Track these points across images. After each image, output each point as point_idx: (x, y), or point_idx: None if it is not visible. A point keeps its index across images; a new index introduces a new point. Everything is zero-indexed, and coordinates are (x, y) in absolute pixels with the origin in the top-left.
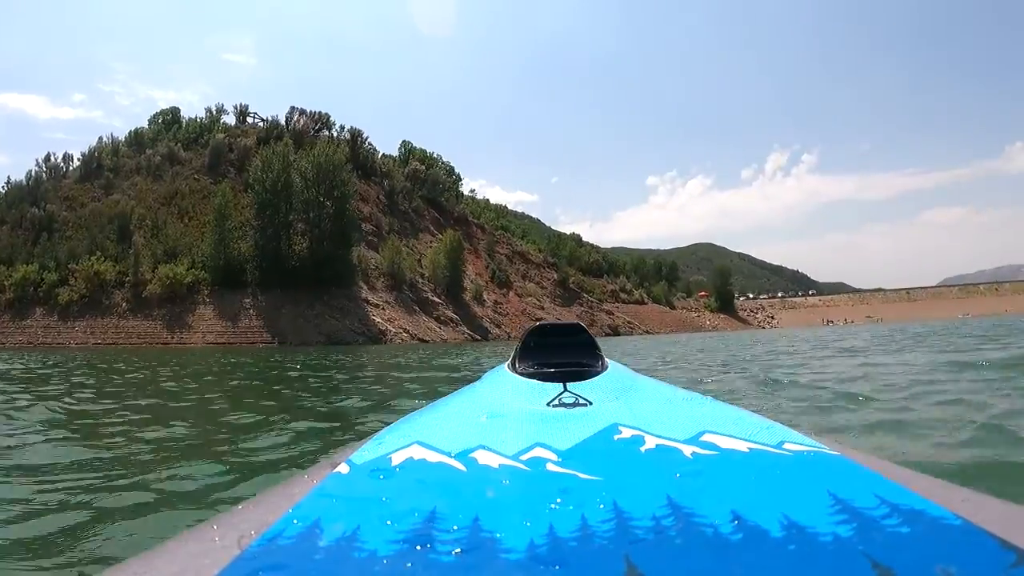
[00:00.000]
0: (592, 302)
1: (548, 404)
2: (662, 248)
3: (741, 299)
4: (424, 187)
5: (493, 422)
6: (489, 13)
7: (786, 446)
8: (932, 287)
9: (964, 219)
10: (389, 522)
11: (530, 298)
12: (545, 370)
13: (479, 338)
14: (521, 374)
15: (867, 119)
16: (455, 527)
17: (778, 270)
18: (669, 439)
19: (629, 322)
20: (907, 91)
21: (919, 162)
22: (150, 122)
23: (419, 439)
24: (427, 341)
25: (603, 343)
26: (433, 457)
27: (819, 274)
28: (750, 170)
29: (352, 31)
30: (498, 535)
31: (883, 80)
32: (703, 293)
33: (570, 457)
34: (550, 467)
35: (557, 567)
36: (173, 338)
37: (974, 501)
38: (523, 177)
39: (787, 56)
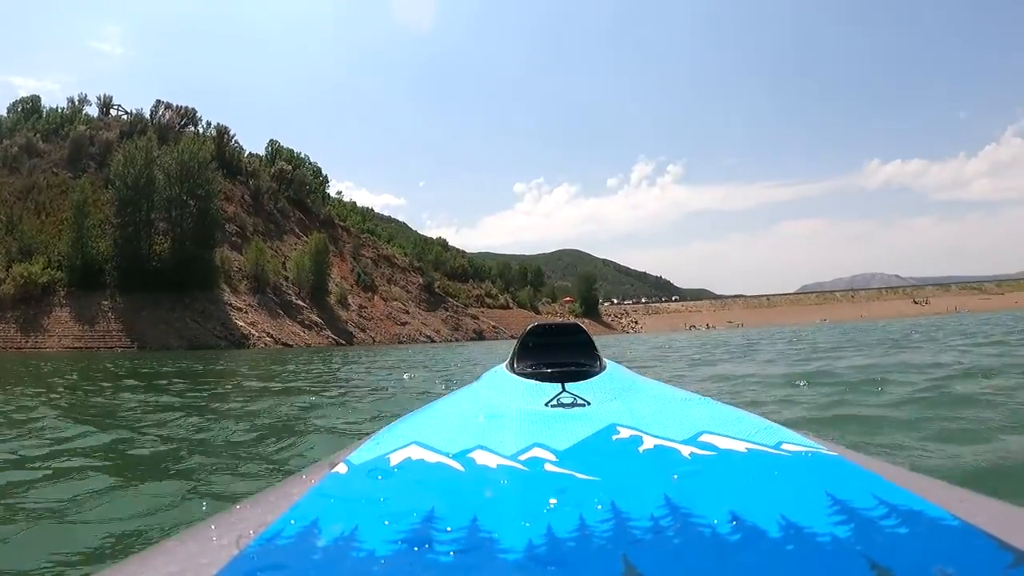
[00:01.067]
0: (458, 307)
1: (546, 404)
2: (528, 254)
3: (606, 304)
4: (290, 188)
5: (491, 422)
6: (359, 10)
7: (784, 447)
8: (791, 294)
9: (823, 230)
10: (387, 522)
11: (395, 302)
12: (543, 370)
13: (343, 342)
14: (519, 374)
15: (734, 134)
16: (453, 527)
17: (642, 276)
18: (667, 439)
19: (494, 327)
20: (773, 109)
21: (781, 175)
22: (8, 110)
23: (417, 439)
24: (291, 346)
25: (469, 347)
26: (431, 457)
27: (682, 281)
28: (616, 179)
29: (224, 23)
30: (496, 535)
31: (750, 98)
32: (568, 299)
33: (568, 457)
34: (548, 467)
35: (555, 567)
36: (28, 342)
37: (972, 502)
38: (390, 180)
39: (656, 70)
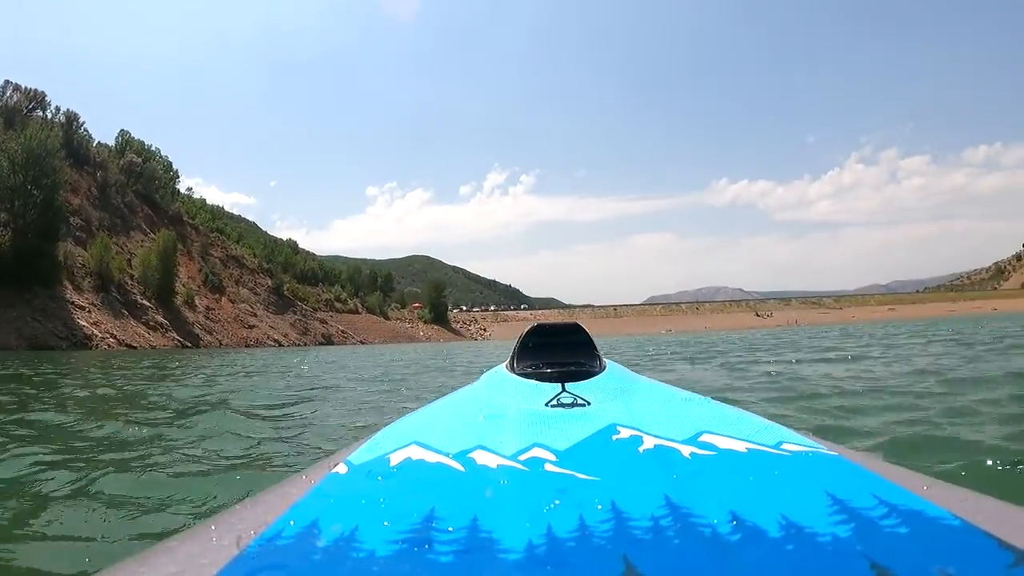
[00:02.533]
0: (306, 310)
1: (546, 404)
2: (379, 258)
3: (455, 311)
4: (139, 182)
5: (491, 422)
6: (220, 2)
7: (784, 446)
8: (638, 305)
9: (671, 244)
10: (387, 522)
11: (244, 304)
12: (543, 370)
13: (189, 345)
14: (519, 374)
15: (585, 147)
16: (453, 527)
17: (492, 284)
18: (667, 439)
19: (343, 331)
20: (626, 124)
21: (632, 189)
22: None
23: (417, 439)
24: (135, 347)
25: (315, 351)
26: (431, 457)
27: (531, 289)
28: (469, 186)
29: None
30: (496, 535)
31: (604, 112)
32: (417, 304)
33: (568, 457)
34: (548, 467)
35: (555, 567)
36: None
37: (972, 501)
38: (241, 178)
39: (514, 80)
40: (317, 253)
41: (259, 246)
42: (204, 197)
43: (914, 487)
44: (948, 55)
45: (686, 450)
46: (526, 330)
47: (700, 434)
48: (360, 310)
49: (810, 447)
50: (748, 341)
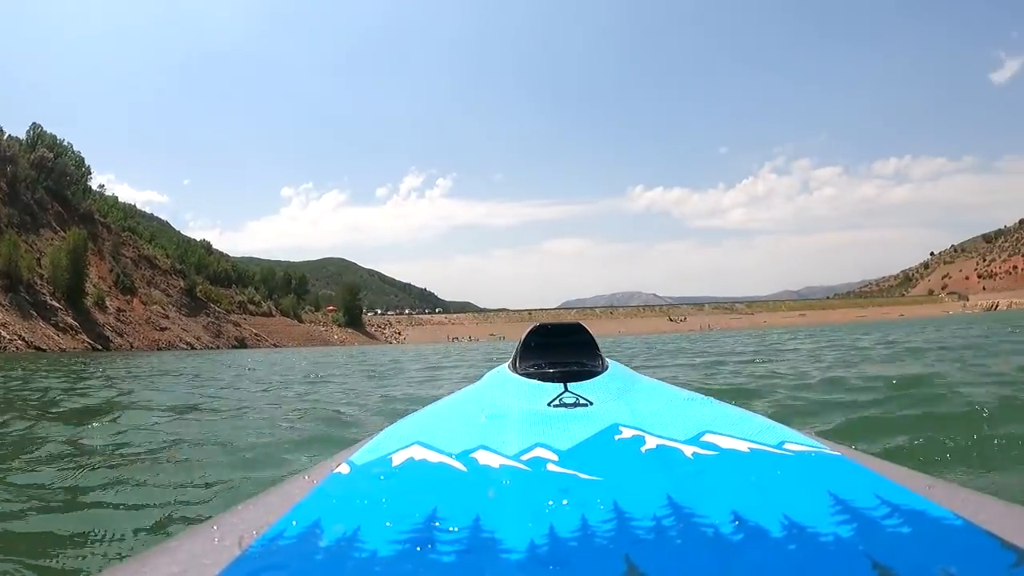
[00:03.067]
0: (220, 313)
1: (549, 404)
2: (293, 260)
3: (370, 315)
4: (50, 178)
5: (493, 422)
6: None
7: (787, 446)
8: (553, 309)
9: (586, 249)
10: (389, 523)
11: (155, 306)
12: (546, 370)
13: (100, 348)
14: (522, 374)
15: (503, 151)
16: (456, 527)
17: (407, 287)
18: (670, 439)
19: (257, 335)
20: (543, 130)
21: (548, 195)
22: None
23: (419, 439)
24: (44, 350)
25: (230, 355)
26: (434, 457)
27: (446, 293)
28: (386, 188)
29: None
30: (499, 535)
31: (522, 117)
32: (331, 308)
33: (571, 457)
34: (551, 467)
35: (558, 567)
36: None
37: (974, 501)
38: (155, 175)
39: (434, 82)
40: (231, 254)
41: (172, 246)
42: (116, 195)
43: (916, 487)
44: (861, 69)
45: (688, 450)
46: (528, 330)
47: (702, 434)
48: (274, 313)
49: (812, 447)
50: (655, 345)
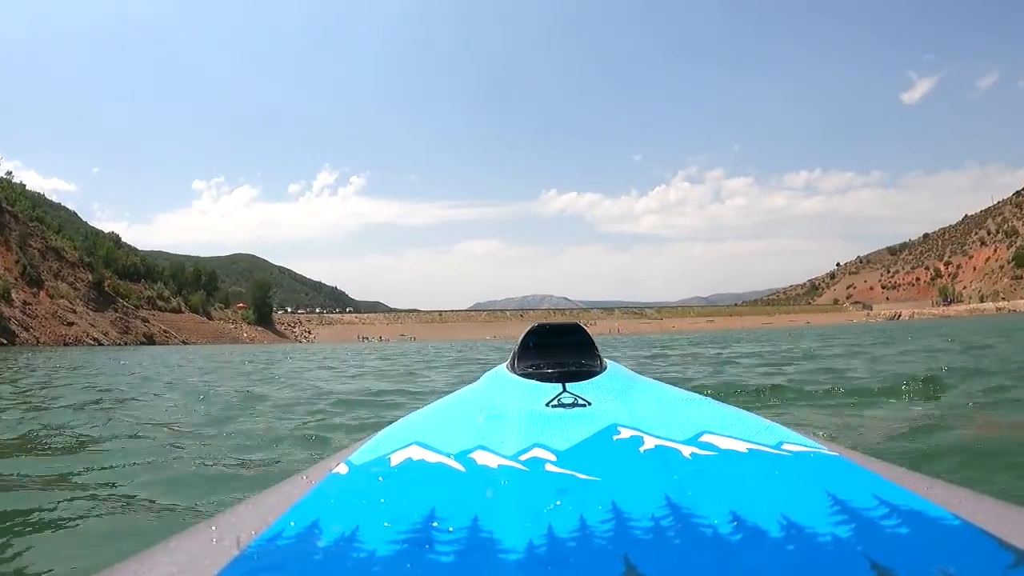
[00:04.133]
0: (128, 308)
1: (547, 404)
2: (203, 256)
3: (280, 313)
4: None
5: (492, 422)
6: None
7: (785, 446)
8: (464, 310)
9: (498, 251)
10: (388, 523)
11: (63, 300)
12: (544, 370)
13: (5, 342)
14: (520, 374)
15: (419, 152)
16: (454, 528)
17: (318, 286)
18: (668, 439)
19: (165, 331)
20: (459, 131)
21: (462, 196)
22: None
23: (418, 440)
24: None
25: (133, 352)
26: (432, 458)
27: (357, 292)
28: (299, 185)
29: None
30: (497, 535)
31: (438, 118)
32: (241, 305)
33: (569, 457)
34: (549, 467)
35: (556, 568)
36: None
37: (973, 501)
38: (63, 162)
39: (350, 77)
40: (139, 248)
41: (79, 238)
42: (24, 182)
43: (914, 487)
44: (778, 84)
45: (687, 450)
46: (527, 330)
47: (701, 434)
48: (183, 309)
49: (811, 447)
50: None
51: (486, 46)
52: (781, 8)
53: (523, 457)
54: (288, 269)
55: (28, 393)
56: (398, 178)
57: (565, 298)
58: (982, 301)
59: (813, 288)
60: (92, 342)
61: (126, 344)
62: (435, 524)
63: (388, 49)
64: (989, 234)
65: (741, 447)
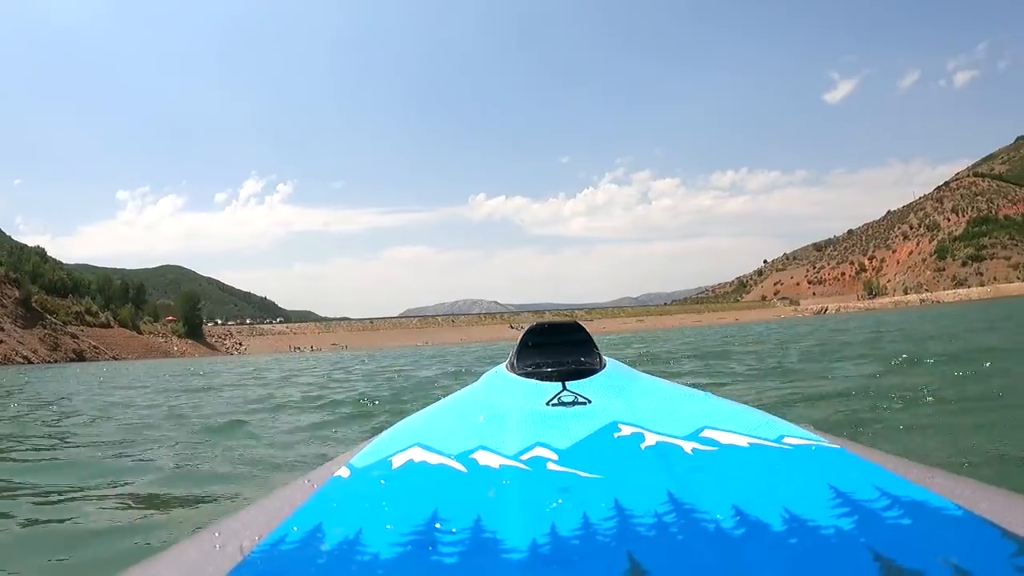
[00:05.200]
0: (56, 324)
1: (547, 403)
2: (130, 268)
3: (210, 325)
4: None
5: (493, 422)
6: None
7: (786, 440)
8: (395, 318)
9: (427, 257)
10: (391, 525)
11: None
12: (544, 369)
13: None
14: (519, 374)
15: (344, 158)
16: (457, 528)
17: (247, 296)
18: (669, 435)
19: (95, 347)
20: (385, 137)
21: (389, 203)
22: None
23: (419, 441)
24: None
25: (60, 369)
26: (433, 459)
27: (287, 302)
28: (225, 194)
29: None
30: (500, 535)
31: (364, 125)
32: (170, 318)
33: (570, 456)
34: (550, 466)
35: (560, 566)
36: None
37: (975, 490)
38: None
39: (272, 87)
40: (65, 261)
41: (3, 253)
42: None
43: (916, 478)
44: (703, 86)
45: (688, 446)
46: (525, 330)
47: (701, 429)
48: (112, 324)
49: (812, 440)
50: (477, 354)
51: (413, 51)
52: (706, 11)
53: (525, 456)
54: (216, 280)
55: None
56: (324, 185)
57: (496, 302)
58: (906, 293)
59: (741, 285)
60: (22, 360)
61: (55, 362)
62: (438, 525)
63: (314, 55)
64: (912, 228)
65: (742, 441)
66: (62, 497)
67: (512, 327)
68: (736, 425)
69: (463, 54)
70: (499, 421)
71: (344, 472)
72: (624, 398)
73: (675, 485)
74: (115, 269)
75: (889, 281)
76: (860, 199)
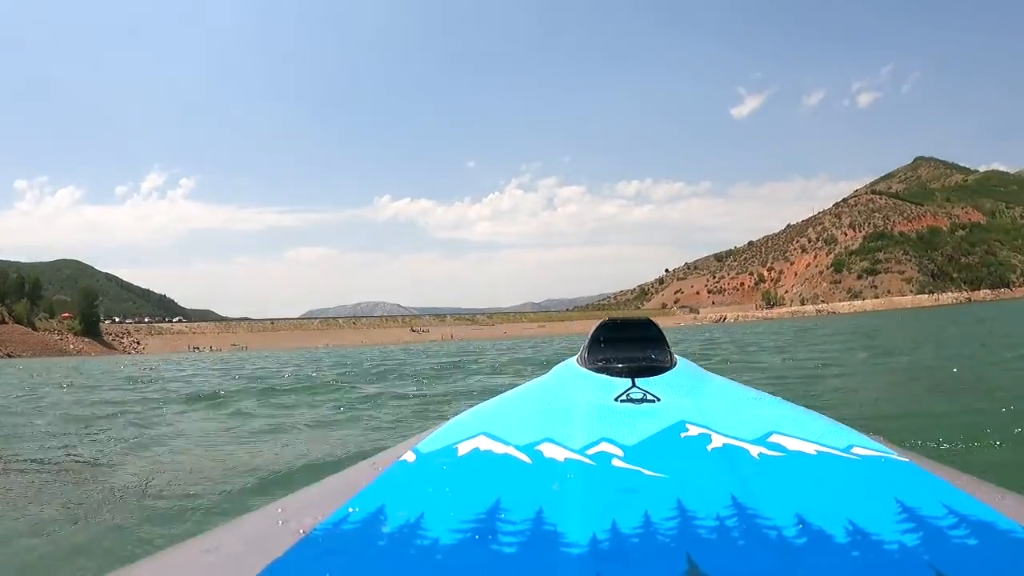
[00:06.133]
0: None
1: (616, 399)
2: (24, 261)
3: (107, 322)
4: None
5: (560, 415)
6: None
7: (854, 450)
8: (296, 319)
9: (330, 258)
10: (453, 511)
11: None
12: (614, 365)
13: None
14: (590, 368)
15: (250, 155)
16: (518, 519)
17: (146, 294)
18: (736, 439)
19: None
20: (292, 135)
21: (294, 202)
22: None
23: (485, 430)
24: None
25: None
26: (499, 448)
27: (187, 301)
28: (126, 187)
29: None
30: (561, 529)
31: (270, 121)
32: (67, 315)
33: (636, 453)
34: (615, 463)
35: (619, 563)
36: None
37: None
38: None
39: (178, 77)
40: None
41: None
42: None
43: (985, 497)
44: (612, 97)
45: (755, 450)
46: (597, 324)
47: (769, 434)
48: (7, 320)
49: (881, 452)
50: (372, 358)
51: (321, 48)
52: (618, 21)
53: (590, 451)
54: (115, 276)
55: None
56: (229, 182)
57: (399, 305)
58: (803, 304)
59: (643, 293)
60: None
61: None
62: (500, 515)
63: (221, 47)
64: (810, 242)
65: (810, 449)
66: None
67: (414, 330)
68: (805, 432)
69: (371, 52)
70: (566, 415)
71: (409, 456)
72: (693, 398)
73: (739, 489)
74: (9, 262)
75: (787, 292)
76: (762, 212)
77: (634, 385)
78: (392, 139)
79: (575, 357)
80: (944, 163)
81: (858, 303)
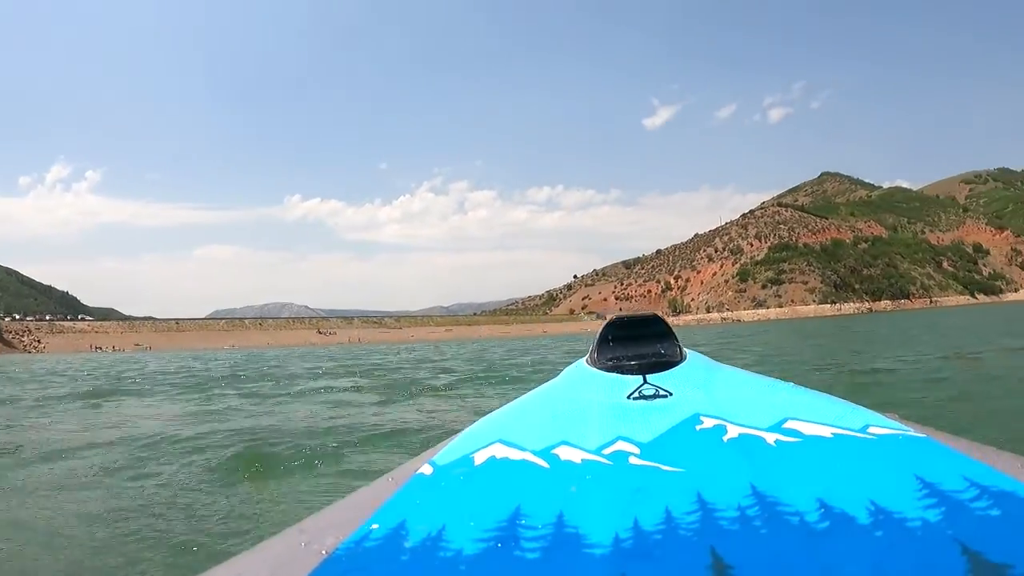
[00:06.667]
0: None
1: (628, 397)
2: None
3: (7, 320)
4: None
5: (574, 417)
6: None
7: (871, 430)
8: (202, 319)
9: (239, 257)
10: (474, 521)
11: None
12: (624, 363)
13: None
14: (600, 368)
15: (161, 148)
16: (539, 524)
17: (47, 290)
18: (751, 427)
19: None
20: (202, 130)
21: (203, 199)
22: None
23: (501, 437)
24: None
25: None
26: (515, 455)
27: (90, 298)
28: (30, 177)
29: None
30: (583, 531)
31: (181, 114)
32: None
33: (652, 449)
34: (632, 460)
35: (643, 561)
36: None
37: None
38: None
39: (94, 62)
40: None
41: None
42: None
43: (1005, 467)
44: (526, 104)
45: (771, 437)
46: (604, 323)
47: (784, 420)
48: None
49: (898, 430)
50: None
51: (237, 44)
52: (534, 30)
53: (606, 451)
54: (16, 271)
55: None
56: (137, 176)
57: (306, 306)
58: (708, 312)
59: (551, 298)
60: None
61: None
62: (521, 521)
63: (134, 38)
64: (716, 251)
65: (826, 432)
66: None
67: (320, 332)
68: (819, 415)
69: (287, 49)
70: (580, 416)
71: (427, 469)
72: (705, 390)
73: (758, 478)
74: None
75: (693, 300)
76: (671, 221)
77: (646, 382)
78: (305, 137)
79: (584, 357)
80: (849, 179)
81: (762, 311)
